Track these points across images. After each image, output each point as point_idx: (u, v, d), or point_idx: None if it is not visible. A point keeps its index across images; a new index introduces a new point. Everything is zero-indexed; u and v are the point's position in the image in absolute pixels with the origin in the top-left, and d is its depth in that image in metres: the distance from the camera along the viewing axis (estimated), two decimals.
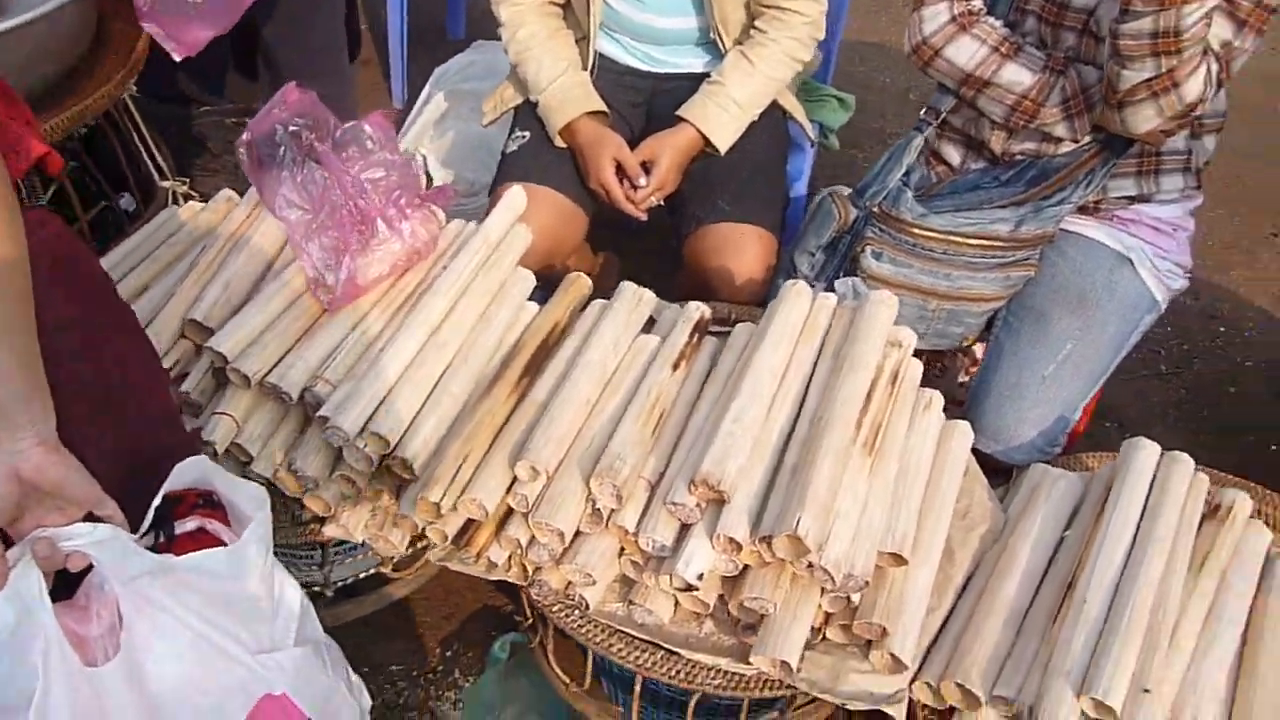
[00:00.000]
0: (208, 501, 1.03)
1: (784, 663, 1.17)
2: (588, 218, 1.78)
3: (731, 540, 1.17)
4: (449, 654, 1.72)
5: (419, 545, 1.37)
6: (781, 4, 1.67)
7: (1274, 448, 2.15)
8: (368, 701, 1.21)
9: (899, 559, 1.22)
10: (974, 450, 1.54)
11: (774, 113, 1.81)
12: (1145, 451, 1.35)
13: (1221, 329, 2.44)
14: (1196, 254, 1.55)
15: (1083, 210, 1.57)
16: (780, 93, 1.80)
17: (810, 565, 1.15)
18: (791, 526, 1.12)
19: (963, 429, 1.42)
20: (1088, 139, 1.52)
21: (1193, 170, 1.54)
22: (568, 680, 1.43)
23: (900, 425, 1.33)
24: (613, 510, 1.24)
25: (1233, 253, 2.65)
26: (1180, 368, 2.34)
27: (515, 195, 1.55)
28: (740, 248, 1.68)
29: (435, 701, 1.65)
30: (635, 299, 1.50)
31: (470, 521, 1.29)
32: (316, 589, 1.50)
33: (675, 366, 1.39)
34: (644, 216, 1.73)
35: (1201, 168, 1.55)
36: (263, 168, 1.37)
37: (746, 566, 1.22)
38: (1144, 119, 1.40)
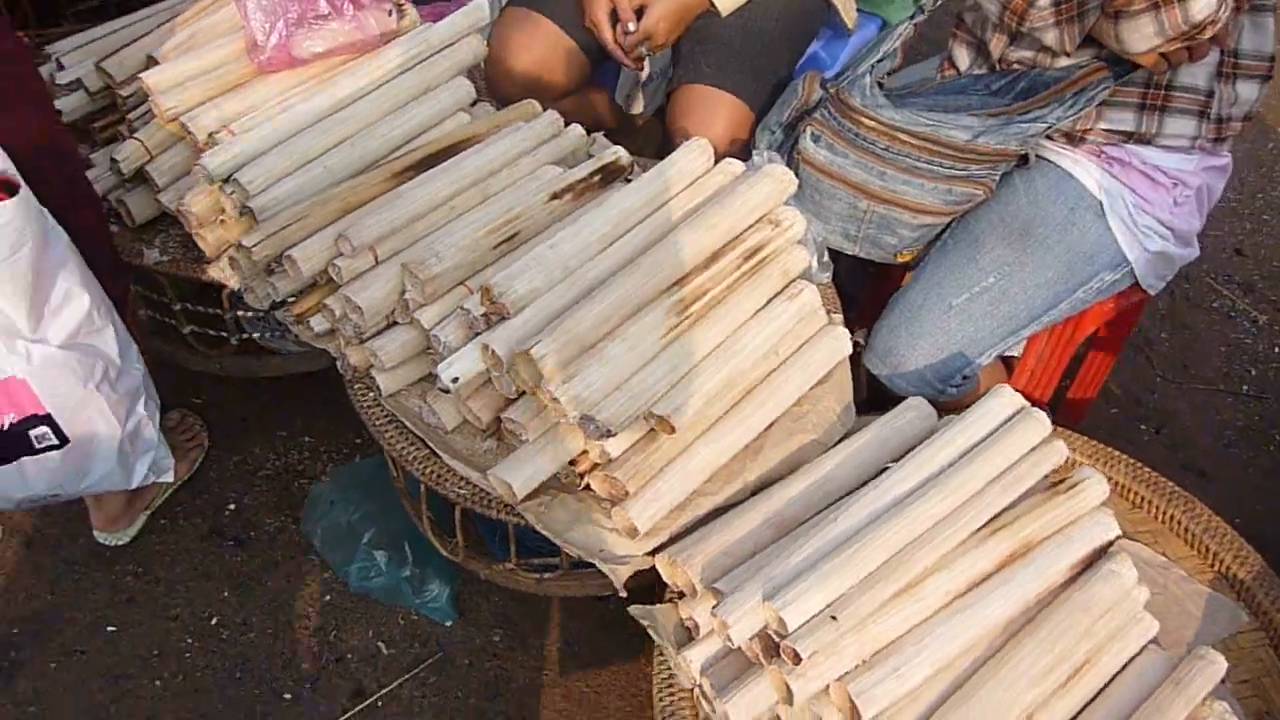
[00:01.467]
0: (9, 189, 1.14)
1: (508, 484, 1.16)
2: (585, 60, 1.74)
3: (494, 354, 1.16)
4: (359, 440, 1.82)
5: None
6: None
7: None
8: (151, 440, 1.29)
9: (669, 426, 1.15)
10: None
11: None
12: (1000, 400, 1.19)
13: None
14: None
15: (1069, 139, 1.36)
16: None
17: (555, 398, 1.12)
18: (528, 346, 1.10)
19: (836, 334, 1.31)
20: (1087, 55, 1.31)
21: (1211, 118, 1.30)
22: (396, 473, 1.48)
23: (742, 303, 1.24)
24: (421, 305, 1.26)
25: None
26: (1266, 392, 2.00)
27: (478, 5, 1.55)
28: (711, 114, 1.60)
29: (326, 476, 1.76)
30: (553, 127, 1.47)
31: (311, 289, 1.35)
32: (222, 335, 1.62)
33: (556, 196, 1.36)
34: (632, 66, 1.67)
35: (1227, 118, 1.30)
36: None
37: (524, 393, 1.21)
38: (1141, 36, 1.20)
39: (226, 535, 1.68)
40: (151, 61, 1.48)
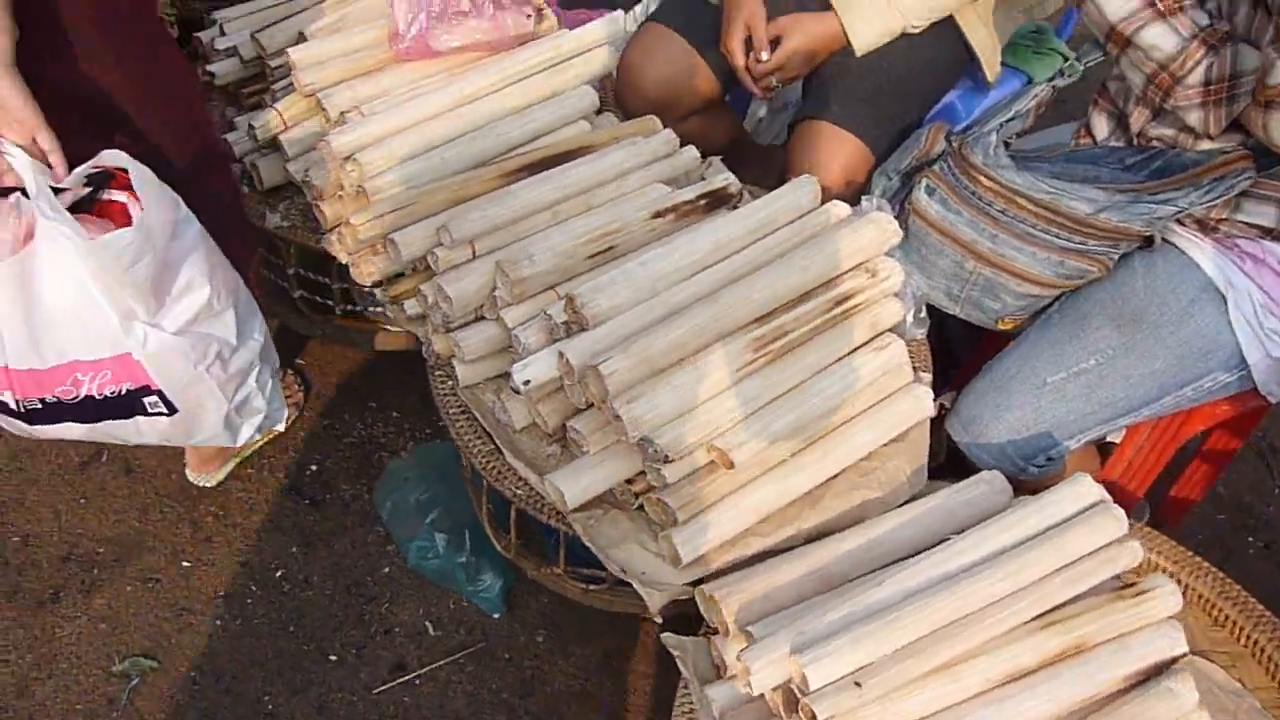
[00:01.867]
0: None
1: (561, 492, 1.17)
2: (716, 82, 1.74)
3: (568, 363, 1.17)
4: (441, 424, 1.86)
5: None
6: None
7: None
8: (260, 407, 1.35)
9: (728, 461, 1.14)
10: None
11: (951, 37, 1.64)
12: (1078, 489, 1.13)
13: None
14: None
15: (1201, 226, 1.29)
16: (966, 18, 1.63)
17: (617, 416, 1.12)
18: (599, 361, 1.10)
19: (917, 394, 1.27)
20: (1233, 142, 1.24)
21: None
22: (465, 462, 1.51)
23: (824, 349, 1.23)
24: (508, 303, 1.28)
25: None
26: None
27: (614, 18, 1.57)
28: (830, 152, 1.57)
29: (404, 451, 1.82)
30: (667, 146, 1.48)
31: (409, 272, 1.39)
32: (329, 303, 1.69)
33: (659, 215, 1.37)
34: (761, 95, 1.66)
35: None
36: None
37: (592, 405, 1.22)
38: None
39: (304, 494, 1.75)
40: (301, 38, 1.56)
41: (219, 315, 1.25)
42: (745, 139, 2.04)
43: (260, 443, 1.78)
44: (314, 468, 1.79)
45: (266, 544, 1.68)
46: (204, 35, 1.69)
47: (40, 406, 1.21)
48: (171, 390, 1.22)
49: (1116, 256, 1.31)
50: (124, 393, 1.20)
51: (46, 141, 1.10)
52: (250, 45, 1.61)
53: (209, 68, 1.63)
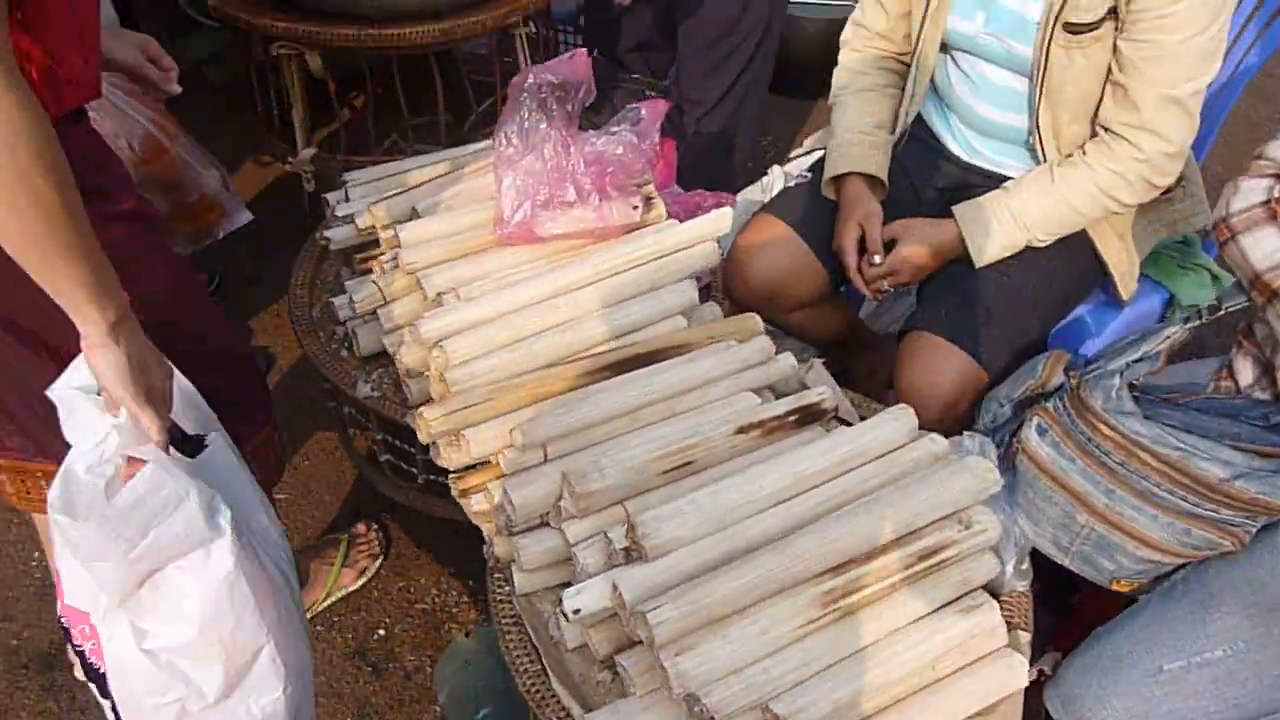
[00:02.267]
0: None
1: None
2: (828, 278, 1.68)
3: (621, 597, 1.10)
4: None
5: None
6: (1115, 128, 1.41)
7: None
8: None
9: None
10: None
11: (1082, 250, 1.54)
12: None
13: None
14: None
15: None
16: (1099, 231, 1.53)
17: (664, 666, 1.04)
18: (649, 608, 1.03)
19: (1012, 663, 1.14)
20: None
21: None
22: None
23: (904, 607, 1.11)
24: (572, 516, 1.23)
25: None
26: None
27: (722, 215, 1.54)
28: (939, 368, 1.48)
29: (475, 624, 1.76)
30: (763, 354, 1.41)
31: (484, 464, 1.36)
32: (413, 471, 1.68)
33: (742, 430, 1.30)
34: (871, 296, 1.59)
35: None
36: (510, 109, 1.53)
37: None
38: None
39: (368, 659, 1.71)
40: (414, 213, 1.59)
41: (201, 664, 1.11)
42: (858, 327, 1.96)
43: (332, 600, 1.77)
44: (381, 633, 1.75)
45: (322, 712, 1.64)
46: (330, 197, 1.75)
47: (68, 629, 1.19)
48: (121, 701, 1.14)
49: (1254, 530, 1.15)
50: (100, 672, 1.15)
51: (144, 420, 1.08)
52: (366, 215, 1.65)
53: (326, 233, 1.68)
